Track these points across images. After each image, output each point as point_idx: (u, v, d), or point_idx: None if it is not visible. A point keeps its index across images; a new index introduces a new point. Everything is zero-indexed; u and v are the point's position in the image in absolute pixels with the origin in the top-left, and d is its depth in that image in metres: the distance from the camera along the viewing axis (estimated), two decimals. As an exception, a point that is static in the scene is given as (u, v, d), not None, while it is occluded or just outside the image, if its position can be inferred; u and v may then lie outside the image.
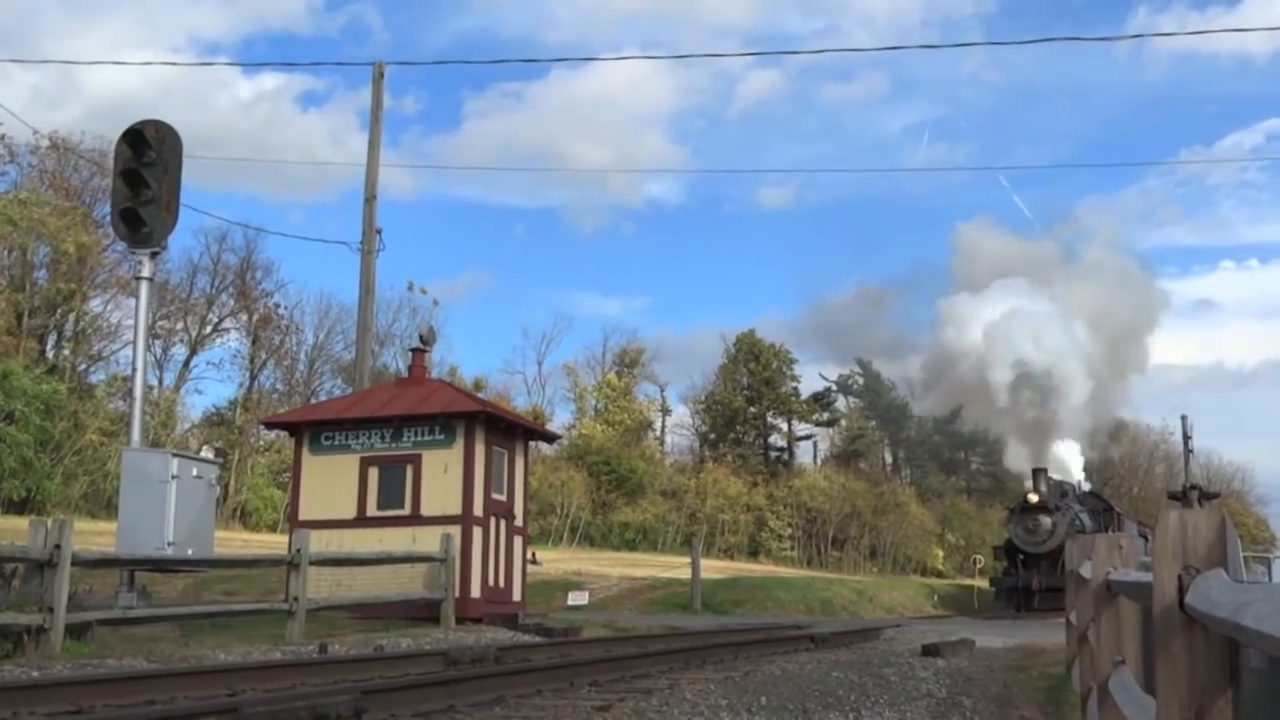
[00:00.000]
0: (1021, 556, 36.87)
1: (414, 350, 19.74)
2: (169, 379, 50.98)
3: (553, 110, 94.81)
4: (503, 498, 17.62)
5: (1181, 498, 41.86)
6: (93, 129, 43.54)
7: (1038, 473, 39.06)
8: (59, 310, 45.85)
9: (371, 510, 16.91)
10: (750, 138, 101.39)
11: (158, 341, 48.34)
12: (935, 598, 40.92)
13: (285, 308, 54.78)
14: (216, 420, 52.31)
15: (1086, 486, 46.32)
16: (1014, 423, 48.10)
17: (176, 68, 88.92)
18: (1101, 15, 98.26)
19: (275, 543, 29.92)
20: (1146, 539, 41.21)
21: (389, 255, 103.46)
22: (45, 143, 42.91)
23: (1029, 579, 35.60)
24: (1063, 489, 40.07)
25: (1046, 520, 36.77)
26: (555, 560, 36.53)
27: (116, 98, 59.42)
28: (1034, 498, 37.40)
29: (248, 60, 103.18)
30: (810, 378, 74.07)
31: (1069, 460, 48.12)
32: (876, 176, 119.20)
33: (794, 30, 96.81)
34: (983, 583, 40.47)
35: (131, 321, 24.12)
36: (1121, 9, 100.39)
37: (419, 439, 17.03)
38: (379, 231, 23.83)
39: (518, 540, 18.22)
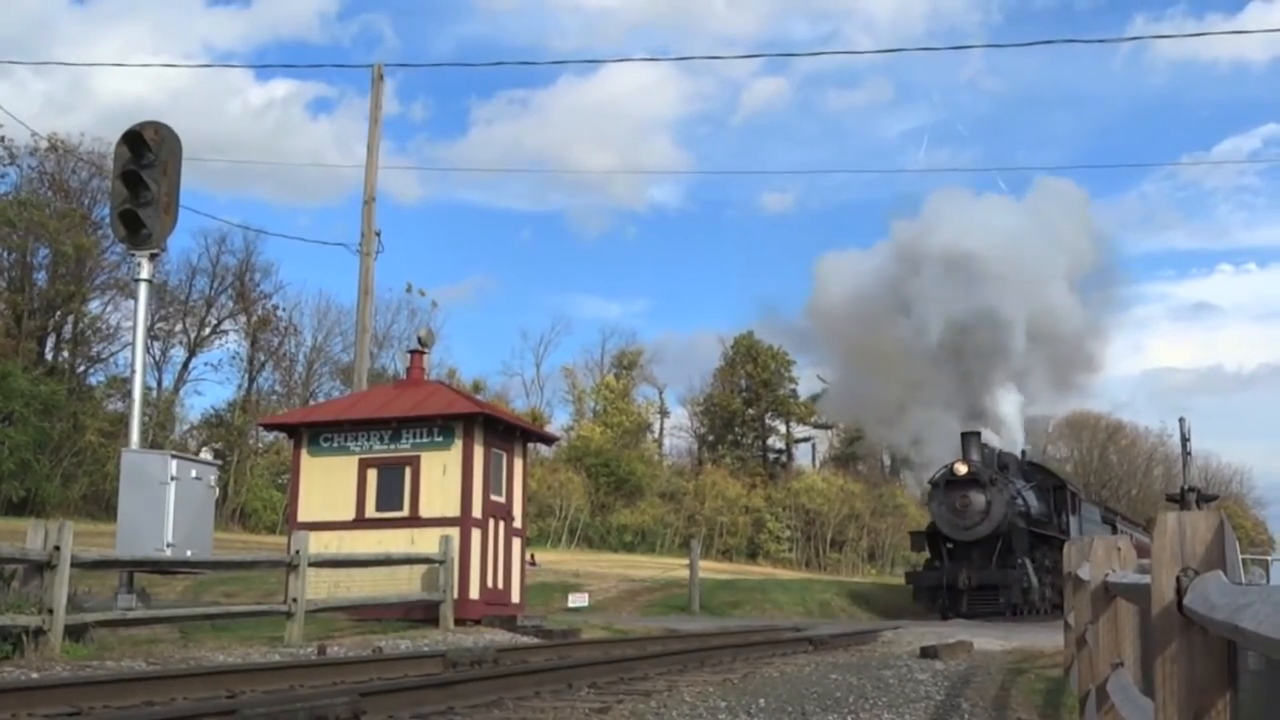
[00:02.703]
0: (948, 545, 29.34)
1: (412, 352, 19.73)
2: (168, 380, 51.03)
3: (559, 117, 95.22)
4: (501, 499, 17.62)
5: (1180, 500, 40.94)
6: (105, 135, 43.56)
7: (969, 437, 30.59)
8: (58, 312, 45.86)
9: (370, 512, 16.91)
10: (753, 144, 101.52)
11: (156, 343, 48.35)
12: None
13: (284, 309, 54.84)
14: (215, 422, 52.30)
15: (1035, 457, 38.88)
16: (942, 354, 38.94)
17: (185, 75, 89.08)
18: (1101, 23, 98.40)
19: (274, 544, 29.94)
20: (1113, 526, 37.79)
21: (395, 259, 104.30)
22: (45, 144, 42.95)
23: (955, 574, 28.21)
24: (1002, 460, 31.96)
25: (979, 498, 28.81)
26: (554, 562, 36.53)
27: (128, 104, 59.65)
28: (962, 468, 29.13)
29: (248, 65, 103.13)
30: (809, 380, 74.12)
31: (1011, 421, 40.04)
32: (877, 181, 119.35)
33: (800, 37, 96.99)
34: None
35: (130, 323, 24.15)
36: (1120, 16, 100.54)
37: (417, 440, 17.03)
38: (378, 234, 23.85)
39: (516, 542, 18.22)
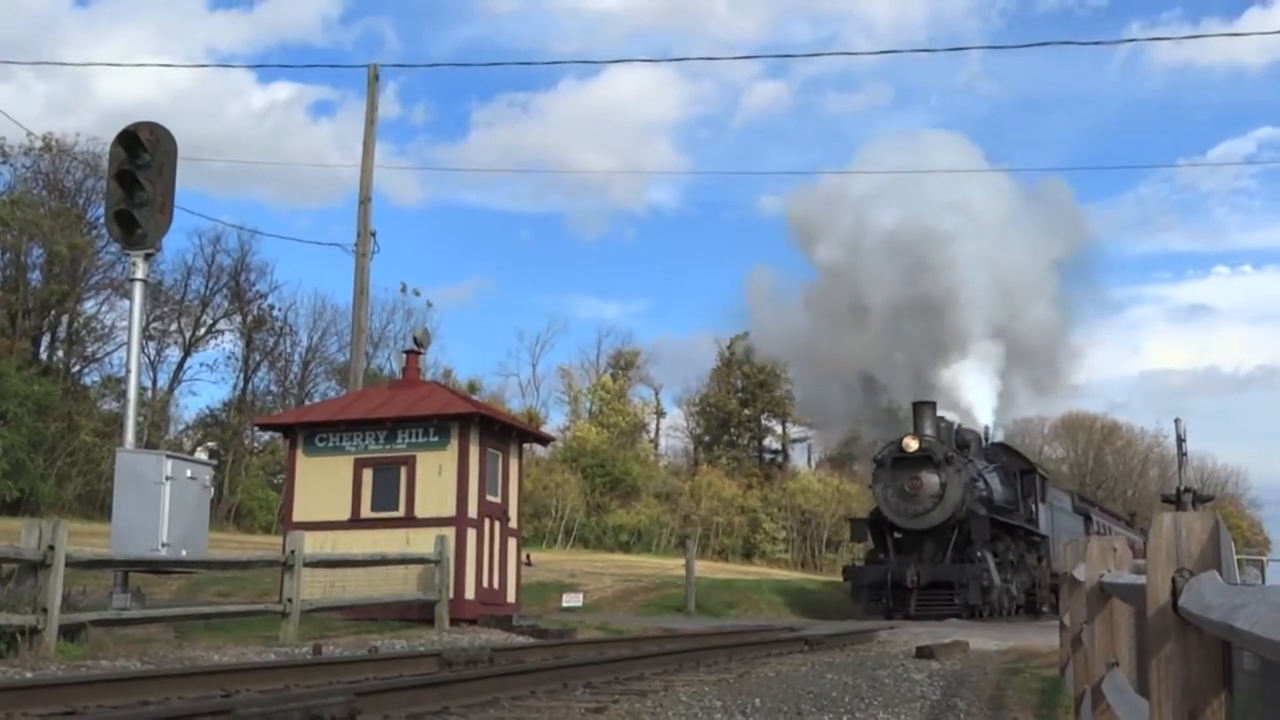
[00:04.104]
0: (896, 535, 25.54)
1: (408, 352, 19.73)
2: (163, 380, 51.00)
3: (559, 120, 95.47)
4: (497, 499, 17.62)
5: (1176, 501, 40.76)
6: (106, 137, 43.58)
7: (921, 408, 26.30)
8: (53, 311, 45.81)
9: (365, 512, 16.89)
10: (753, 147, 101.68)
11: (152, 343, 48.30)
12: None
13: (279, 310, 54.83)
14: (211, 422, 52.26)
15: (998, 436, 33.22)
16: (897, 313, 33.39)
17: (188, 78, 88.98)
18: (1098, 29, 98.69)
19: (269, 544, 29.86)
20: (1087, 517, 35.03)
21: (396, 260, 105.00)
22: (40, 144, 42.89)
23: (902, 569, 24.31)
24: (961, 437, 27.78)
25: (933, 480, 24.82)
26: (549, 562, 36.51)
27: (130, 106, 59.92)
28: (913, 444, 25.06)
29: (246, 65, 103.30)
30: (805, 380, 73.95)
31: (975, 395, 34.79)
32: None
33: (800, 41, 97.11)
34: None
35: (125, 323, 24.10)
36: (1117, 21, 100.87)
37: (413, 441, 17.01)
38: (373, 234, 23.85)
39: (512, 542, 18.21)
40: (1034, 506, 29.54)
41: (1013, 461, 30.19)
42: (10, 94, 59.04)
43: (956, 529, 24.91)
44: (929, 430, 25.78)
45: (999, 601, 25.44)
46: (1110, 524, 40.04)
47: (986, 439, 30.89)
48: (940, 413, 27.55)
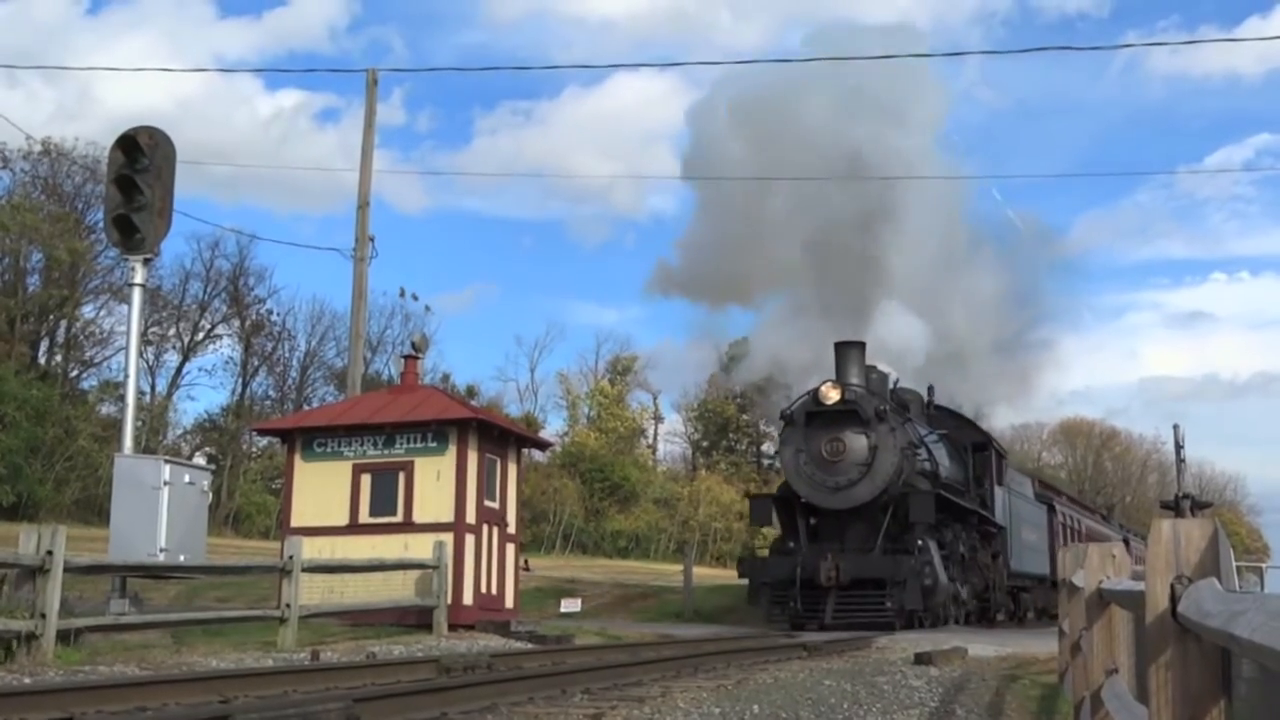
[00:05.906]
0: (810, 520, 19.91)
1: (406, 357, 19.75)
2: (161, 385, 50.98)
3: (563, 127, 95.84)
4: (495, 505, 17.61)
5: (1174, 507, 40.63)
6: (104, 141, 43.65)
7: (847, 349, 19.93)
8: (51, 316, 45.80)
9: (364, 517, 16.88)
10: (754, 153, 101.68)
11: (150, 348, 48.29)
12: None
13: (278, 314, 54.84)
14: (209, 426, 52.23)
15: (946, 403, 25.77)
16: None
17: (194, 86, 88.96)
18: (1098, 39, 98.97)
19: (268, 549, 29.84)
20: (1051, 506, 30.96)
21: (399, 266, 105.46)
22: (39, 148, 42.88)
23: (815, 563, 18.71)
24: (900, 396, 21.93)
25: (859, 442, 19.10)
26: (547, 568, 36.49)
27: (137, 113, 60.14)
28: (834, 394, 19.08)
29: (248, 69, 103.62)
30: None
31: (914, 344, 26.01)
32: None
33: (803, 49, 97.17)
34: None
35: (124, 328, 24.09)
36: (1117, 31, 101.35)
37: (411, 446, 17.01)
38: (372, 239, 23.83)
39: (510, 547, 18.20)
40: (990, 488, 23.91)
41: (963, 432, 24.01)
42: (18, 101, 59.38)
43: (890, 509, 19.36)
44: (855, 379, 19.72)
45: (944, 607, 20.41)
46: (1080, 517, 35.98)
47: (930, 401, 24.25)
48: (871, 363, 21.40)
